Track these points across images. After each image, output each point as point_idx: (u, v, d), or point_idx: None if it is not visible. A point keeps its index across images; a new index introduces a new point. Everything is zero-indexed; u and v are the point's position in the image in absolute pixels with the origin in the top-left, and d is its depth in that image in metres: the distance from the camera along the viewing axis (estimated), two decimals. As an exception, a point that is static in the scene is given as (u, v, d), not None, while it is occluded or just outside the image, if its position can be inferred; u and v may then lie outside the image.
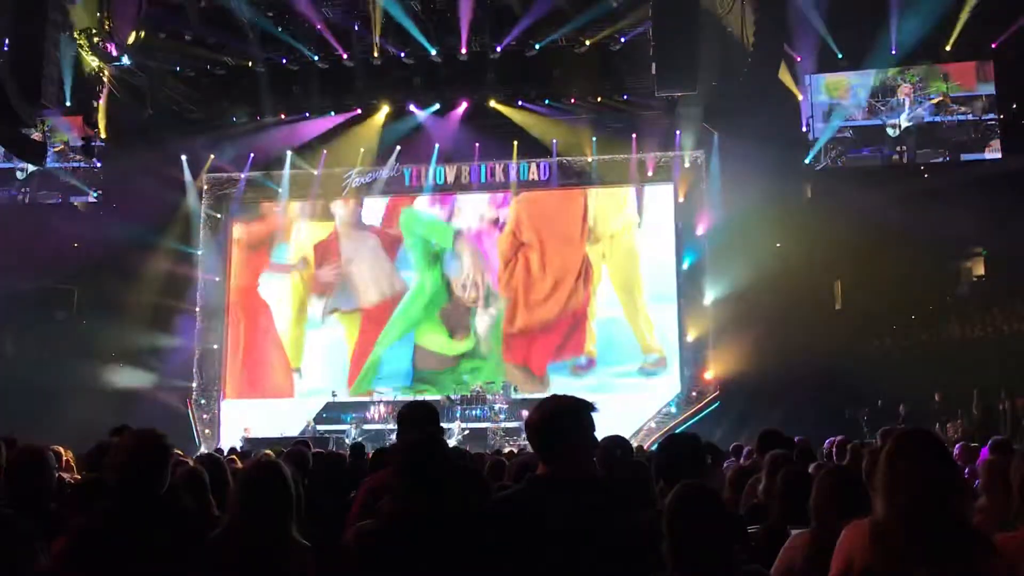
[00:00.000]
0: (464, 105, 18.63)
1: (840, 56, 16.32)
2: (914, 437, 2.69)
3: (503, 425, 16.73)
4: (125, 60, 16.80)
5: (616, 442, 4.26)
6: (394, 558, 2.86)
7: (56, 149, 17.71)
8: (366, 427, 17.23)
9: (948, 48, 15.93)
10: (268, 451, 6.94)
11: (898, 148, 16.62)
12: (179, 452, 7.00)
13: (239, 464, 6.19)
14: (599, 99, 18.28)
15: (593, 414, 2.91)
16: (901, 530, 2.55)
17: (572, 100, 18.33)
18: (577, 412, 2.89)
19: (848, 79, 16.84)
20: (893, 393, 15.03)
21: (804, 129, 16.88)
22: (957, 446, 6.96)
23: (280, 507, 3.07)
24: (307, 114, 19.08)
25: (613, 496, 2.93)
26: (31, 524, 3.29)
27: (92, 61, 16.15)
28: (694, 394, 18.06)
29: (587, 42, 16.41)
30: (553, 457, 2.86)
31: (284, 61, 17.12)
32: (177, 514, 3.21)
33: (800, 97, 16.89)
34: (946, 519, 2.54)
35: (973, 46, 16.07)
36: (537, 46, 16.53)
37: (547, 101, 18.40)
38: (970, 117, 16.42)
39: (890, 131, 16.61)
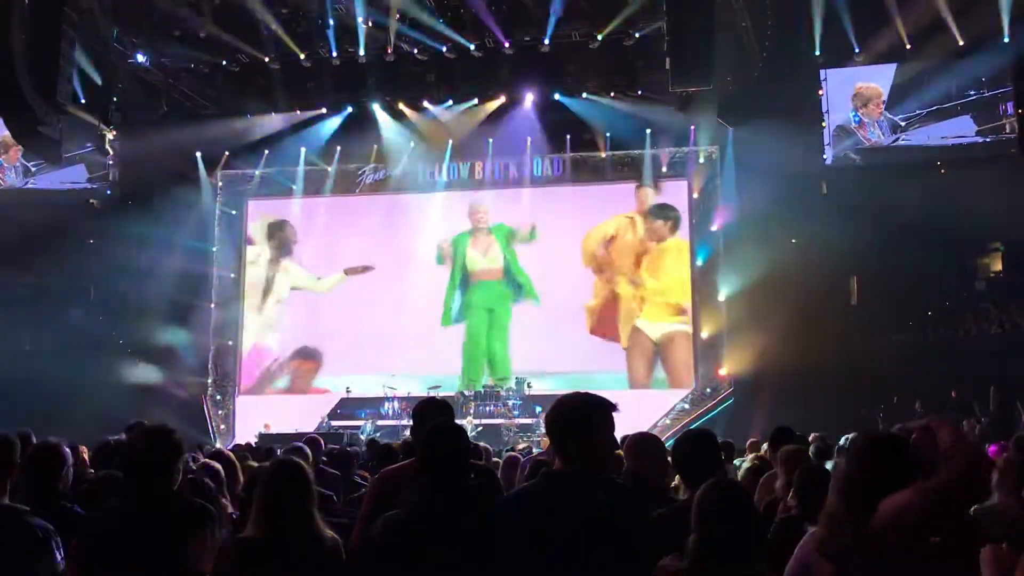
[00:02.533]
0: (476, 101, 18.63)
1: (857, 50, 16.21)
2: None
3: (517, 421, 16.70)
4: (140, 57, 16.91)
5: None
6: (418, 547, 2.89)
7: (71, 146, 17.74)
8: (380, 423, 17.24)
9: (962, 43, 15.75)
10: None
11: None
12: (199, 448, 7.03)
13: (251, 461, 6.19)
14: (612, 94, 18.23)
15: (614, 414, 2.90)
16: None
17: (584, 96, 18.28)
18: (596, 409, 2.88)
19: (880, 90, 16.59)
20: (909, 390, 14.95)
21: (823, 124, 16.77)
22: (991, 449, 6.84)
23: (307, 503, 3.09)
24: (323, 110, 19.12)
25: (627, 494, 2.92)
26: (47, 521, 3.31)
27: (107, 59, 16.25)
28: (708, 390, 18.00)
29: (600, 37, 16.36)
30: (568, 453, 2.86)
31: (300, 57, 17.13)
32: (188, 509, 3.22)
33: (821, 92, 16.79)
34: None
35: (988, 39, 15.88)
36: (548, 42, 16.49)
37: (558, 96, 18.36)
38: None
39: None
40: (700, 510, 2.68)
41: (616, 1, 15.66)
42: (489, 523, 2.86)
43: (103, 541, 3.12)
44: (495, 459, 7.00)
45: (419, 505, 3.02)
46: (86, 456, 5.87)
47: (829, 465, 4.78)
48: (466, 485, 3.05)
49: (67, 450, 3.88)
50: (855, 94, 16.66)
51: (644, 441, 4.11)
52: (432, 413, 3.93)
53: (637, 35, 16.10)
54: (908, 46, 15.89)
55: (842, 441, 6.81)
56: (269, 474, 3.22)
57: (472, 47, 16.61)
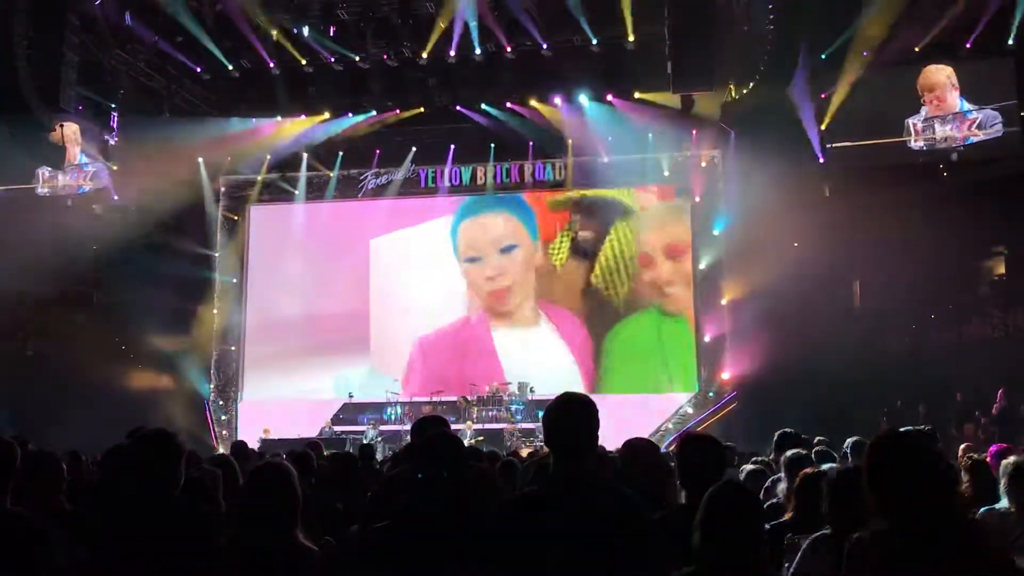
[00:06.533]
0: (480, 106, 18.61)
1: (865, 54, 16.14)
2: (891, 445, 2.59)
3: (519, 426, 16.68)
4: (142, 64, 16.95)
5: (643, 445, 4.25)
6: (405, 554, 2.88)
7: (74, 152, 17.76)
8: (383, 428, 17.22)
9: (968, 46, 15.68)
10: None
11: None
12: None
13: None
14: (611, 98, 18.20)
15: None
16: (901, 539, 2.47)
17: (584, 99, 18.26)
18: (589, 409, 2.88)
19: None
20: (913, 394, 14.91)
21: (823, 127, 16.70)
22: (991, 449, 6.79)
23: (285, 509, 3.03)
24: (327, 115, 19.13)
25: (627, 497, 2.91)
26: (47, 524, 3.31)
27: (110, 65, 16.28)
28: (711, 395, 17.98)
29: (596, 41, 16.33)
30: (570, 455, 2.85)
31: (302, 63, 17.14)
32: (189, 514, 3.21)
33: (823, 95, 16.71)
34: (944, 523, 2.46)
35: (992, 43, 15.81)
36: (546, 47, 16.49)
37: (558, 101, 18.35)
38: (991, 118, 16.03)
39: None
40: (707, 510, 2.66)
41: (616, 4, 15.64)
42: (481, 526, 2.86)
43: (105, 545, 3.12)
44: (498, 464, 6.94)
45: (404, 512, 3.02)
46: (87, 461, 5.86)
47: (827, 467, 4.76)
48: (454, 492, 3.03)
49: (62, 455, 3.87)
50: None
51: (639, 449, 4.11)
52: (426, 427, 3.99)
53: (634, 39, 16.03)
54: (916, 49, 15.79)
55: (845, 445, 6.79)
56: (247, 479, 3.18)
57: (476, 52, 16.61)
